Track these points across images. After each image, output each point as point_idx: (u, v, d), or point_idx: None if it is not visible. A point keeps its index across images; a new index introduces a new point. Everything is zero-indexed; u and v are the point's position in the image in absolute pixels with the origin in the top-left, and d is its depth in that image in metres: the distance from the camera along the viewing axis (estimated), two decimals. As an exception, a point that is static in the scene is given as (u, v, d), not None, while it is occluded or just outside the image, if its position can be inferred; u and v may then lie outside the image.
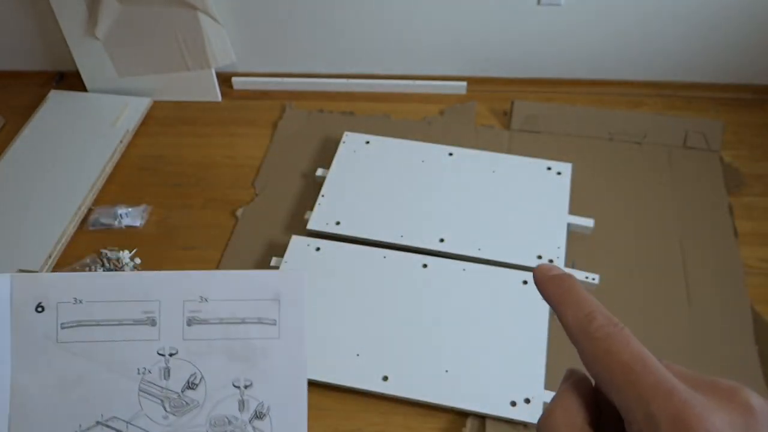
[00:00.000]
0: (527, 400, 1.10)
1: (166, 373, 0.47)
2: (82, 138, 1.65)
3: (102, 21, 1.63)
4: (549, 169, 1.44)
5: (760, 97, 1.66)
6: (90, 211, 1.51)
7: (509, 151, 1.55)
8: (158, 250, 1.44)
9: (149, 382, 0.47)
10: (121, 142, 1.64)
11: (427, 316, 1.21)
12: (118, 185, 1.58)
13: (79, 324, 0.48)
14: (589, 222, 1.36)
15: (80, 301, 0.48)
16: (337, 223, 1.37)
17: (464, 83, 1.73)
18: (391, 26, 1.66)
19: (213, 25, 1.64)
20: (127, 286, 0.47)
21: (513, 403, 1.10)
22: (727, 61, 1.63)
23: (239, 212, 1.49)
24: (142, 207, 1.52)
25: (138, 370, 0.47)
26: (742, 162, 1.51)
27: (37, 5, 1.71)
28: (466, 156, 1.48)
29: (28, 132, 1.68)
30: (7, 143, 1.65)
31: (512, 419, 1.09)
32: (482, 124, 1.64)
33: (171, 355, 0.47)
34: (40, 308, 0.48)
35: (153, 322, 0.48)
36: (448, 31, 1.65)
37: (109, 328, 0.47)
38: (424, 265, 1.28)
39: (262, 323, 0.47)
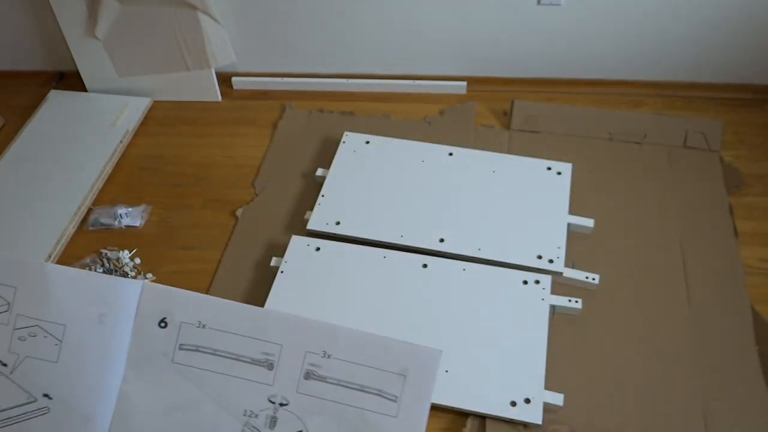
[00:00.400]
0: (527, 400, 1.10)
1: (273, 422, 0.45)
2: (82, 138, 1.65)
3: (102, 21, 1.63)
4: (549, 169, 1.44)
5: (760, 97, 1.66)
6: (90, 211, 1.51)
7: (509, 151, 1.55)
8: (158, 250, 1.44)
9: (254, 427, 0.45)
10: (121, 142, 1.64)
11: (427, 316, 1.21)
12: (118, 185, 1.58)
13: (198, 349, 0.46)
14: (589, 222, 1.36)
15: (203, 326, 0.46)
16: (337, 223, 1.37)
17: (464, 83, 1.73)
18: (391, 26, 1.66)
19: (213, 25, 1.64)
20: (253, 322, 0.45)
21: (513, 403, 1.10)
22: (727, 61, 1.63)
23: (239, 212, 1.49)
24: (142, 207, 1.52)
25: (245, 411, 0.45)
26: (742, 162, 1.51)
27: (37, 5, 1.71)
28: (466, 156, 1.48)
29: (27, 132, 1.68)
30: (7, 143, 1.66)
31: (512, 419, 1.09)
32: (482, 124, 1.64)
33: (282, 405, 0.45)
34: (163, 324, 0.47)
35: (270, 366, 0.45)
36: (448, 31, 1.65)
37: (225, 361, 0.45)
38: (424, 265, 1.28)
39: (381, 396, 0.45)
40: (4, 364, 0.47)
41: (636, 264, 1.33)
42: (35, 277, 0.47)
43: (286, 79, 1.79)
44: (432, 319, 1.21)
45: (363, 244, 1.33)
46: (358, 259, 1.30)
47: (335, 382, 0.46)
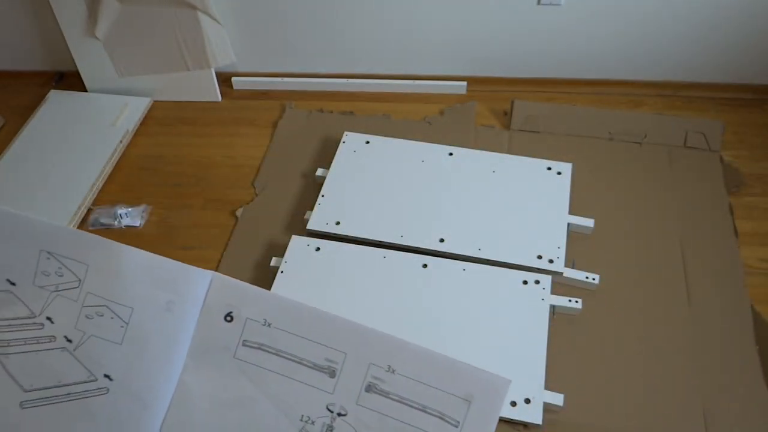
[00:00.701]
0: (527, 400, 1.10)
1: (328, 431, 0.43)
2: (82, 138, 1.65)
3: (102, 21, 1.63)
4: (549, 169, 1.44)
5: (760, 97, 1.66)
6: (90, 211, 1.51)
7: (509, 151, 1.55)
8: (158, 251, 1.42)
9: None
10: (120, 142, 1.64)
11: (427, 317, 1.21)
12: (118, 185, 1.58)
13: (261, 347, 0.45)
14: (589, 222, 1.36)
15: (269, 325, 0.45)
16: (337, 223, 1.37)
17: (464, 83, 1.73)
18: (391, 26, 1.66)
19: (213, 25, 1.64)
20: (320, 326, 0.44)
21: (513, 404, 1.10)
22: (727, 61, 1.63)
23: (239, 212, 1.49)
24: (142, 207, 1.52)
25: (302, 416, 0.43)
26: (742, 162, 1.51)
27: (37, 5, 1.71)
28: (466, 156, 1.48)
29: (27, 132, 1.68)
30: (7, 143, 1.66)
31: (512, 419, 1.09)
32: (482, 124, 1.64)
33: (340, 415, 0.43)
34: (228, 318, 0.46)
35: (332, 374, 0.44)
36: (448, 31, 1.65)
37: (287, 363, 0.44)
38: (424, 265, 1.28)
39: (443, 419, 0.43)
40: (69, 340, 0.46)
41: (636, 264, 1.33)
42: (108, 257, 0.47)
43: (286, 79, 1.79)
44: (432, 319, 1.21)
45: (363, 244, 1.33)
46: (358, 259, 1.30)
47: (397, 398, 0.44)
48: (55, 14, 1.66)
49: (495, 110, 1.68)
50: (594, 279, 1.28)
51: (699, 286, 1.29)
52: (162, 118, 1.75)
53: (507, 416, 1.09)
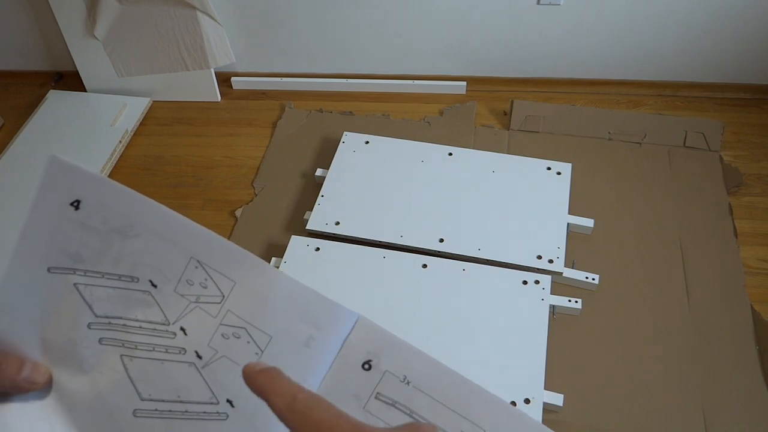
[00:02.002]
0: (527, 400, 1.10)
1: None
2: (81, 138, 1.65)
3: (101, 21, 1.63)
4: (549, 169, 1.44)
5: (760, 97, 1.66)
6: (89, 211, 1.51)
7: (509, 151, 1.55)
8: (157, 251, 1.43)
9: None
10: (120, 142, 1.64)
11: (427, 317, 1.21)
12: (118, 185, 1.58)
13: (394, 404, 0.42)
14: (589, 222, 1.36)
15: (408, 382, 0.43)
16: (337, 224, 1.37)
17: (464, 83, 1.72)
18: (390, 26, 1.66)
19: (213, 25, 1.64)
20: (460, 395, 0.41)
21: (513, 404, 1.10)
22: (727, 61, 1.63)
23: (239, 212, 1.49)
24: (142, 207, 1.51)
25: None
26: (742, 162, 1.51)
27: (36, 5, 1.71)
28: (466, 156, 1.48)
29: (26, 132, 1.68)
30: (6, 143, 1.65)
31: (512, 419, 1.09)
32: (482, 124, 1.64)
33: None
34: (366, 366, 0.43)
35: None
36: (447, 31, 1.65)
37: None
38: (424, 265, 1.28)
39: None
40: (200, 356, 0.44)
41: (636, 264, 1.32)
42: (257, 278, 0.44)
43: (285, 79, 1.79)
44: (432, 320, 1.21)
45: (363, 244, 1.33)
46: (358, 259, 1.30)
47: None
48: (54, 14, 1.66)
49: (494, 110, 1.68)
50: (594, 279, 1.27)
51: (699, 286, 1.28)
52: (161, 119, 1.75)
53: (507, 416, 1.09)
